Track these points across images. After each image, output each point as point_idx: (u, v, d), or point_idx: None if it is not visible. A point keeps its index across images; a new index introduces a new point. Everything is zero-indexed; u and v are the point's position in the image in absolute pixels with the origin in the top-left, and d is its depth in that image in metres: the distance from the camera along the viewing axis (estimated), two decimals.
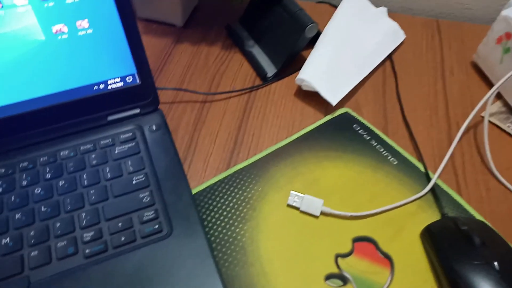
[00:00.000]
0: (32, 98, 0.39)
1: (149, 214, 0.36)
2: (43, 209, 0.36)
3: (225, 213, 0.40)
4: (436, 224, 0.39)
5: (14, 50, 0.36)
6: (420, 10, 0.71)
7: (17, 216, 0.35)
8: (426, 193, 0.42)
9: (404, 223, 0.40)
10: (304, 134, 0.48)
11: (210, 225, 0.39)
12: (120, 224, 0.36)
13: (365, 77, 0.54)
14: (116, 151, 0.41)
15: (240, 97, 0.52)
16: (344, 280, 0.36)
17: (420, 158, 0.46)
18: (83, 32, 0.38)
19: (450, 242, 0.36)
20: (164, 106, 0.50)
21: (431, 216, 0.41)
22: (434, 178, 0.43)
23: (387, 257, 0.38)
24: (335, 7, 0.66)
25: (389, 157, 0.45)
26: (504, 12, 0.50)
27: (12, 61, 0.37)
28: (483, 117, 0.50)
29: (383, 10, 0.62)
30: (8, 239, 0.34)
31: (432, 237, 0.38)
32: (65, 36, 0.38)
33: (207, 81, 0.54)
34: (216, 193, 0.41)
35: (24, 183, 0.38)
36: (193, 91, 0.51)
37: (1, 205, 0.36)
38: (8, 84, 0.38)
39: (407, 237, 0.39)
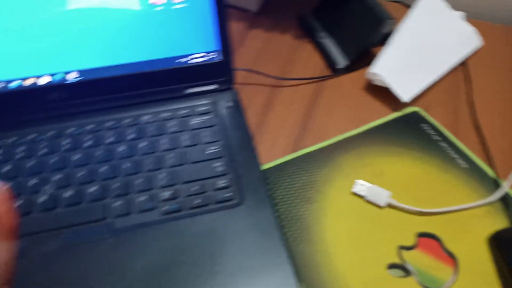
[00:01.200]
0: (122, 64, 0.42)
1: (222, 182, 0.38)
2: (126, 165, 0.38)
3: (291, 192, 0.41)
4: (507, 230, 0.38)
5: (110, 18, 0.39)
6: (501, 19, 0.69)
7: (103, 168, 0.38)
8: (496, 199, 0.42)
9: (471, 225, 0.40)
10: (372, 127, 0.48)
11: (276, 201, 0.40)
12: (195, 188, 0.37)
13: (437, 79, 0.54)
14: (193, 122, 0.43)
15: (309, 85, 0.53)
16: (406, 271, 0.36)
17: (491, 164, 0.45)
18: (177, 6, 0.40)
19: None
20: (236, 86, 0.51)
21: (499, 222, 0.40)
22: (505, 186, 0.42)
23: (452, 256, 0.38)
24: (408, 6, 0.66)
25: (459, 160, 0.45)
26: None
27: (107, 27, 0.39)
28: None
29: (460, 14, 0.61)
30: (94, 188, 0.37)
31: (503, 243, 0.37)
32: (160, 8, 0.40)
33: (278, 67, 0.55)
34: (283, 172, 0.43)
35: (110, 140, 0.40)
36: (265, 74, 0.53)
37: (88, 157, 0.39)
38: (103, 48, 0.40)
39: (473, 239, 0.39)
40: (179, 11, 0.41)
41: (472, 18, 0.65)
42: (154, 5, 0.40)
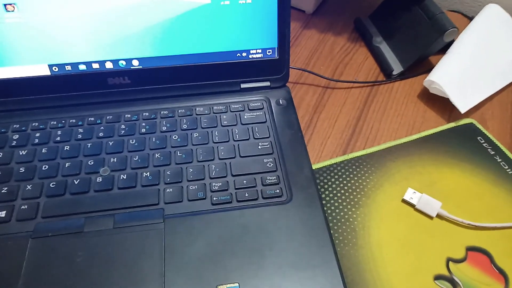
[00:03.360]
0: (184, 54, 0.43)
1: (271, 178, 0.38)
2: (179, 154, 0.39)
3: (339, 194, 0.41)
4: None
5: (181, 8, 0.40)
6: None
7: (157, 155, 0.39)
8: None
9: None
10: (425, 136, 0.47)
11: (324, 202, 0.40)
12: (244, 181, 0.38)
13: (494, 93, 0.52)
14: (245, 116, 0.43)
15: (362, 89, 0.53)
16: (454, 284, 0.35)
17: None
18: (243, 1, 0.41)
19: None
20: (289, 84, 0.51)
21: None
22: None
23: (502, 273, 0.36)
24: (468, 17, 0.64)
25: None
26: None
27: (177, 18, 0.40)
28: None
29: None
30: (148, 173, 0.38)
31: None
32: (227, 2, 0.40)
33: (331, 69, 0.55)
34: (332, 174, 0.42)
35: (164, 128, 0.41)
36: (318, 74, 0.53)
37: (143, 144, 0.40)
38: (167, 38, 0.41)
39: None
40: (244, 6, 0.41)
41: None
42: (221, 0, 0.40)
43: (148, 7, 0.39)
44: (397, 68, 0.54)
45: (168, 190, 0.37)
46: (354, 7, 0.65)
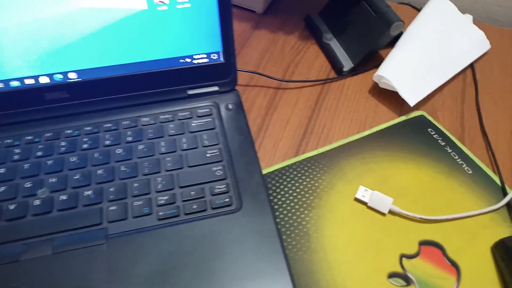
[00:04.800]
0: (124, 64, 0.41)
1: (220, 187, 0.37)
2: (123, 169, 0.38)
3: (291, 197, 0.40)
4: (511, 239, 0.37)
5: (114, 17, 0.38)
6: (509, 23, 0.68)
7: (99, 172, 0.37)
8: (501, 206, 0.41)
9: (475, 233, 0.39)
10: (377, 131, 0.47)
11: (276, 207, 0.39)
12: (192, 192, 0.37)
13: (443, 83, 0.52)
14: (193, 124, 0.42)
15: (314, 88, 0.52)
16: (408, 280, 0.35)
17: (497, 171, 0.44)
18: (181, 6, 0.39)
19: None
20: (239, 88, 0.51)
21: (505, 230, 0.39)
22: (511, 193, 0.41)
23: (454, 265, 0.36)
24: (417, 9, 0.65)
25: (464, 166, 0.44)
26: None
27: (110, 27, 0.38)
28: None
29: (468, 17, 0.59)
30: (90, 192, 0.36)
31: (507, 252, 0.36)
32: (164, 8, 0.39)
33: (282, 69, 0.54)
34: (284, 177, 0.42)
35: (107, 142, 0.40)
36: (268, 76, 0.52)
37: (85, 160, 0.38)
38: (105, 48, 0.40)
39: (477, 248, 0.38)
40: (183, 11, 0.40)
41: (480, 22, 0.63)
42: (158, 4, 0.39)
43: (81, 17, 0.37)
44: (347, 64, 0.54)
45: (111, 208, 0.35)
46: (306, 4, 0.64)
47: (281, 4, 0.64)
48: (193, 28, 0.41)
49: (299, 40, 0.59)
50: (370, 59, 0.54)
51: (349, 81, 0.53)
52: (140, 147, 0.40)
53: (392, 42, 0.53)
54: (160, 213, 0.35)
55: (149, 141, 0.40)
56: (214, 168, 0.39)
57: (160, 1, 0.38)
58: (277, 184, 0.41)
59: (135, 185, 0.37)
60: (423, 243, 0.38)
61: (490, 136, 0.47)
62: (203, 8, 0.40)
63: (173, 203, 0.36)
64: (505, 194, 0.41)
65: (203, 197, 0.37)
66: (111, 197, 0.36)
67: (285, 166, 0.43)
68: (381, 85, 0.50)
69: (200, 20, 0.41)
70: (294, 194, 0.40)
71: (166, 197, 0.36)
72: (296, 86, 0.52)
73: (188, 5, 0.40)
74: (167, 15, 0.40)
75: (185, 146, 0.40)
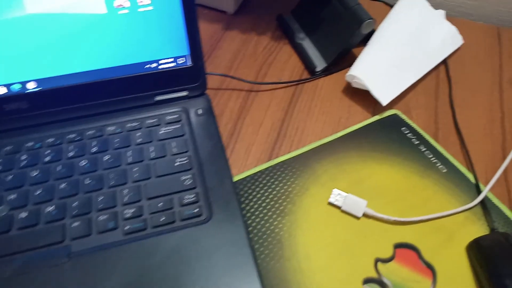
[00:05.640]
0: (86, 71, 0.40)
1: (189, 197, 0.36)
2: (87, 181, 0.36)
3: (264, 204, 0.39)
4: (486, 238, 0.37)
5: (75, 21, 0.36)
6: (480, 16, 0.68)
7: (62, 186, 0.36)
8: (476, 204, 0.40)
9: (450, 233, 0.38)
10: (351, 132, 0.46)
11: (248, 215, 0.38)
12: (160, 204, 0.35)
13: (417, 80, 0.52)
14: (161, 132, 0.41)
15: (287, 89, 0.51)
16: (383, 286, 0.35)
17: (471, 168, 0.43)
18: (143, 9, 0.38)
19: (502, 259, 0.34)
20: (210, 92, 0.49)
21: (479, 229, 0.39)
22: (486, 190, 0.40)
23: (430, 267, 0.36)
24: (390, 6, 0.64)
25: (438, 164, 0.43)
26: None
27: (72, 32, 0.37)
28: None
29: (441, 13, 0.59)
30: (52, 208, 0.34)
31: (481, 251, 0.36)
32: (125, 11, 0.38)
33: (254, 70, 0.53)
34: (257, 183, 0.41)
35: (71, 154, 0.38)
36: (239, 78, 0.51)
37: (47, 174, 0.37)
38: (65, 55, 0.38)
39: (452, 249, 0.37)
40: (145, 14, 0.39)
41: (452, 16, 0.63)
42: (118, 8, 0.37)
43: (34, 23, 0.36)
44: (320, 64, 0.53)
45: (74, 224, 0.34)
46: (278, 3, 0.63)
47: (253, 3, 0.63)
48: (157, 31, 0.40)
49: (272, 40, 0.58)
50: (343, 58, 0.53)
51: (323, 81, 0.52)
52: (106, 157, 0.38)
53: (366, 40, 0.53)
54: (126, 227, 0.34)
55: (115, 151, 0.39)
56: (183, 177, 0.38)
57: (119, 5, 0.37)
58: (249, 191, 0.40)
59: (100, 198, 0.35)
60: (398, 246, 0.37)
61: (464, 132, 0.47)
62: (167, 11, 0.39)
63: (140, 215, 0.35)
64: (479, 191, 0.41)
65: (171, 208, 0.35)
66: (74, 212, 0.34)
67: (257, 172, 0.42)
68: (354, 85, 0.49)
69: (164, 23, 0.40)
70: (267, 200, 0.39)
71: (132, 210, 0.35)
72: (269, 88, 0.51)
73: (150, 8, 0.38)
74: (129, 19, 0.38)
75: (153, 155, 0.39)
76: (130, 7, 0.38)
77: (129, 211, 0.35)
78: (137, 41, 0.40)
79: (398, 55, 0.51)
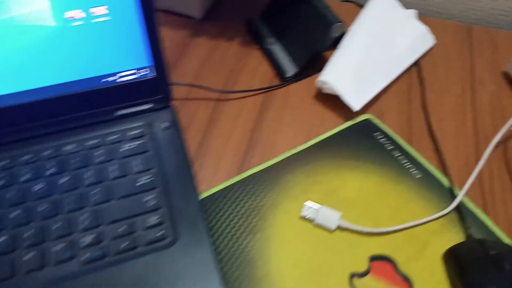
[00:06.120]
0: (39, 88, 0.37)
1: (153, 219, 0.34)
2: (42, 207, 0.34)
3: (233, 222, 0.37)
4: (461, 246, 0.36)
5: (22, 36, 0.34)
6: (451, 15, 0.67)
7: (13, 214, 0.33)
8: (451, 211, 0.39)
9: (426, 242, 0.37)
10: (323, 140, 0.45)
11: (217, 234, 0.36)
12: (122, 228, 0.33)
13: (389, 83, 0.51)
14: (123, 149, 0.39)
15: (257, 97, 0.50)
16: None
17: (445, 173, 0.42)
18: (99, 20, 0.36)
19: (477, 267, 0.33)
20: (176, 102, 0.47)
21: (455, 236, 0.38)
22: (460, 196, 0.40)
23: (406, 279, 0.35)
24: (361, 6, 0.63)
25: (412, 170, 0.42)
26: None
27: (19, 47, 0.34)
28: None
29: (412, 12, 0.58)
30: (3, 239, 0.32)
31: (457, 260, 0.35)
32: (79, 23, 0.35)
33: (224, 78, 0.51)
34: (226, 199, 0.39)
35: (24, 178, 0.36)
36: (208, 88, 0.49)
37: None
38: (14, 72, 0.35)
39: (428, 258, 0.36)
40: (101, 25, 0.36)
41: (423, 15, 0.62)
42: (71, 20, 0.35)
43: None
44: (291, 69, 0.52)
45: (26, 256, 0.31)
46: (248, 7, 0.61)
47: (221, 8, 0.61)
48: (115, 43, 0.38)
49: (241, 46, 0.56)
50: (314, 63, 0.52)
51: (294, 87, 0.51)
52: (63, 180, 0.36)
53: (337, 43, 0.52)
54: (85, 257, 0.32)
55: (73, 172, 0.37)
56: (147, 198, 0.36)
57: (71, 17, 0.35)
58: (218, 208, 0.38)
59: (56, 225, 0.33)
60: (374, 258, 0.36)
61: (437, 135, 0.46)
62: (125, 20, 0.37)
63: (100, 242, 0.33)
64: (454, 196, 0.40)
65: (134, 232, 0.33)
66: (27, 243, 0.32)
67: (226, 187, 0.40)
68: (325, 90, 0.48)
69: (122, 33, 0.38)
70: (237, 217, 0.38)
71: (92, 236, 0.33)
72: (239, 97, 0.49)
73: (107, 18, 0.36)
74: (84, 30, 0.36)
75: (114, 175, 0.37)
76: (85, 18, 0.35)
77: (87, 238, 0.33)
78: (94, 53, 0.38)
79: (369, 58, 0.49)
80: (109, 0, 0.35)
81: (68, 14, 0.35)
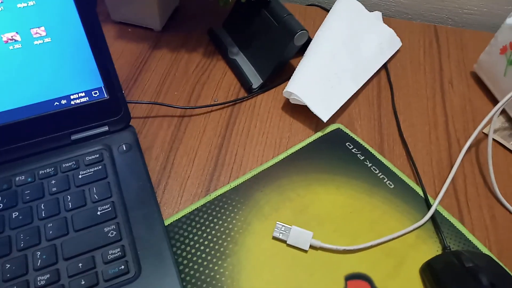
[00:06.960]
0: None
1: (114, 252, 0.32)
2: None
3: (202, 247, 0.35)
4: (438, 259, 0.35)
5: None
6: (417, 15, 0.67)
7: None
8: (426, 221, 0.38)
9: (402, 257, 0.36)
10: (293, 153, 0.43)
11: (185, 262, 0.34)
12: (80, 264, 0.31)
13: (358, 89, 0.50)
14: (80, 176, 0.36)
15: (222, 111, 0.48)
16: None
17: (419, 181, 0.41)
18: (39, 41, 0.33)
19: (455, 281, 0.32)
20: (137, 122, 0.45)
21: (432, 248, 0.37)
22: (434, 205, 0.39)
23: None
24: (327, 10, 0.62)
25: (385, 180, 0.41)
26: (509, 20, 0.46)
27: None
28: (485, 134, 0.46)
29: (377, 14, 0.57)
30: None
31: (434, 275, 0.34)
32: (18, 46, 0.33)
33: (186, 93, 0.49)
34: (193, 224, 0.37)
35: None
36: (169, 105, 0.47)
37: None
38: None
39: (405, 274, 0.35)
40: (43, 46, 0.34)
41: (388, 16, 0.62)
42: (9, 43, 0.32)
43: None
44: (256, 81, 0.50)
45: None
46: (208, 16, 0.59)
47: (181, 18, 0.59)
48: (62, 65, 0.35)
49: (204, 57, 0.54)
50: (280, 73, 0.50)
51: (261, 99, 0.49)
52: (14, 214, 0.33)
53: (303, 50, 0.50)
54: None
55: (25, 205, 0.34)
56: (107, 229, 0.33)
57: (8, 39, 0.32)
58: (185, 234, 0.36)
59: (8, 265, 0.30)
60: (350, 277, 0.35)
61: (409, 141, 0.46)
62: (68, 41, 0.35)
63: (56, 281, 0.30)
64: (428, 206, 0.39)
65: (93, 268, 0.31)
66: None
67: (193, 211, 0.38)
68: (292, 101, 0.46)
69: (67, 55, 0.35)
70: (205, 242, 0.36)
71: (47, 276, 0.30)
72: (203, 112, 0.47)
73: (48, 39, 0.33)
74: (24, 54, 0.33)
75: (70, 206, 0.34)
76: (23, 41, 0.33)
77: (42, 278, 0.30)
78: (40, 77, 0.35)
79: (335, 65, 0.48)
80: (46, 21, 0.33)
81: (5, 37, 0.32)
